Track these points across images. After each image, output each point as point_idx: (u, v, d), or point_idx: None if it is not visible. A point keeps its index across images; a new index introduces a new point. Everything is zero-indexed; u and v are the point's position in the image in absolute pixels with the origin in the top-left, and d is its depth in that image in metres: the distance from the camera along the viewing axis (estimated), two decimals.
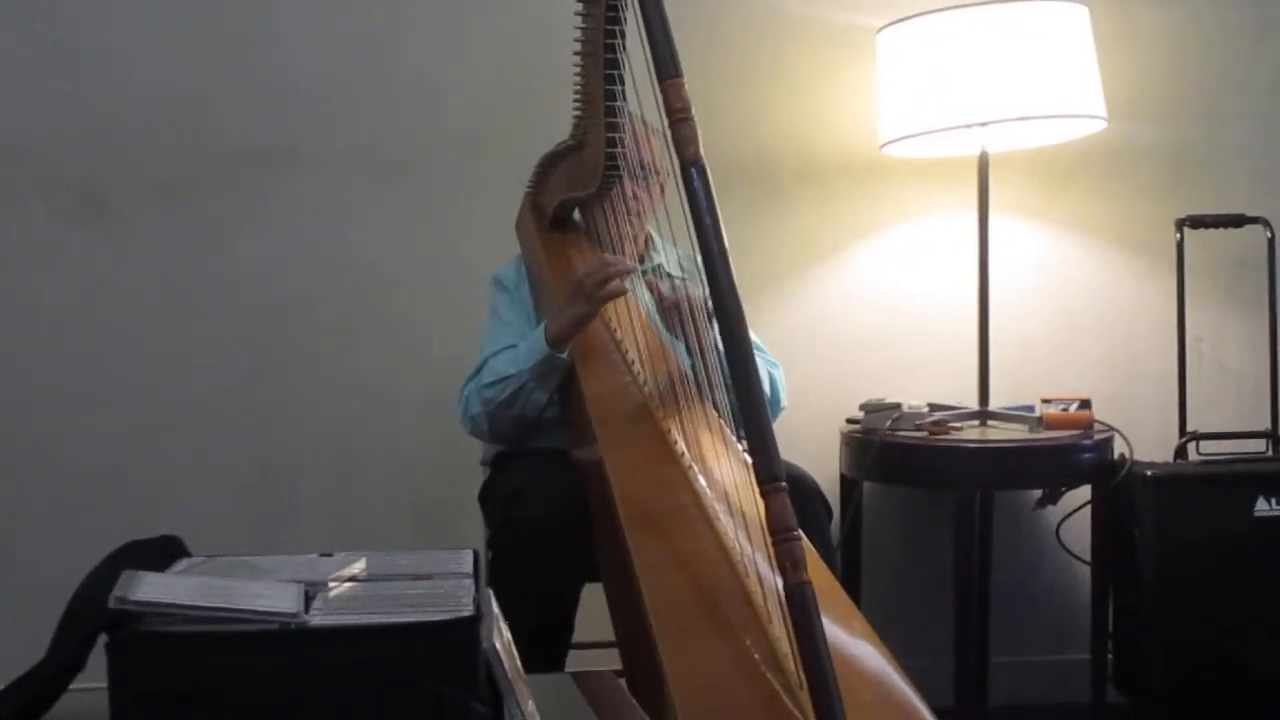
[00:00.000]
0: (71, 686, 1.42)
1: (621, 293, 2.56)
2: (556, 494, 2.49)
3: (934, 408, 3.23)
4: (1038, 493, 3.34)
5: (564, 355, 2.59)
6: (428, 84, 3.37)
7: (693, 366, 2.55)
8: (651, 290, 2.67)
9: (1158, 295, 3.50)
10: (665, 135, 2.17)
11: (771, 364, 2.85)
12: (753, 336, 2.21)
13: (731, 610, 2.15)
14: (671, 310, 2.60)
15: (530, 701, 1.39)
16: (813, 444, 3.22)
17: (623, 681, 2.13)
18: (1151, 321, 3.52)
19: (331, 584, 1.49)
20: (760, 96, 3.44)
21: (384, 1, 3.37)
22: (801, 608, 2.01)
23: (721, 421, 2.50)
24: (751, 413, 2.10)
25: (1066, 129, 3.29)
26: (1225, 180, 3.54)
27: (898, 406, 3.16)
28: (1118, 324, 3.57)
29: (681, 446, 2.43)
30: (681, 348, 2.61)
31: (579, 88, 2.54)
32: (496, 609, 1.48)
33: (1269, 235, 3.33)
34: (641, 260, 2.83)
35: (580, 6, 2.40)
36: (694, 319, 2.52)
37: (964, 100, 3.08)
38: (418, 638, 1.32)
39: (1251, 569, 3.08)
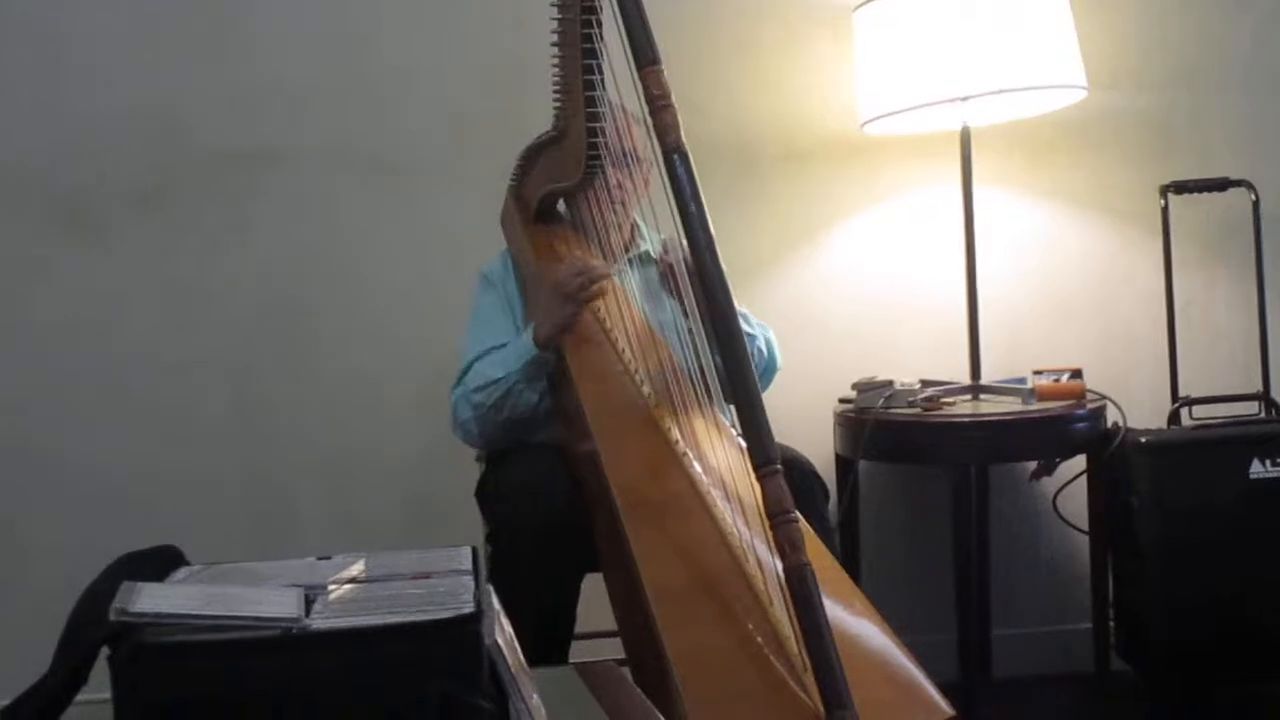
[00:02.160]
0: (76, 700, 1.41)
1: (603, 294, 2.56)
2: (554, 486, 2.48)
3: (926, 384, 3.23)
4: (1033, 465, 3.35)
5: (550, 354, 2.59)
6: (408, 82, 3.36)
7: (689, 330, 2.54)
8: (658, 262, 2.68)
9: (1145, 262, 3.50)
10: (646, 123, 2.18)
11: (762, 326, 2.86)
12: (739, 307, 2.21)
13: (732, 595, 2.16)
14: (669, 271, 2.60)
15: (535, 695, 1.39)
16: (806, 425, 3.22)
17: (626, 671, 2.14)
18: (1139, 288, 3.53)
19: (331, 587, 1.48)
20: (739, 80, 3.44)
21: (363, 0, 3.36)
22: (802, 589, 2.01)
23: (715, 408, 2.50)
24: (745, 398, 2.11)
25: (1047, 100, 3.29)
26: (1208, 145, 3.54)
27: (890, 384, 3.16)
28: (1106, 293, 3.57)
29: (676, 434, 2.43)
30: (675, 337, 2.60)
31: (558, 79, 2.53)
32: (497, 604, 1.48)
33: (1253, 198, 3.33)
34: (628, 249, 2.83)
35: None
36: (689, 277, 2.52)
37: (943, 75, 3.08)
38: (420, 637, 1.32)
39: (1248, 531, 3.08)
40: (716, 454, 2.38)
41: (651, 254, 2.81)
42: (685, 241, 2.19)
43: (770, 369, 2.86)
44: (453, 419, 2.73)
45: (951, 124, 3.25)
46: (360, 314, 3.37)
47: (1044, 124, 3.43)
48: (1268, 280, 3.37)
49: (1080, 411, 3.12)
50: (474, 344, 2.74)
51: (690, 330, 2.49)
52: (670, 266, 2.57)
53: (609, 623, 2.46)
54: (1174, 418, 3.28)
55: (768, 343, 2.85)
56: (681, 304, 2.55)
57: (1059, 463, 3.28)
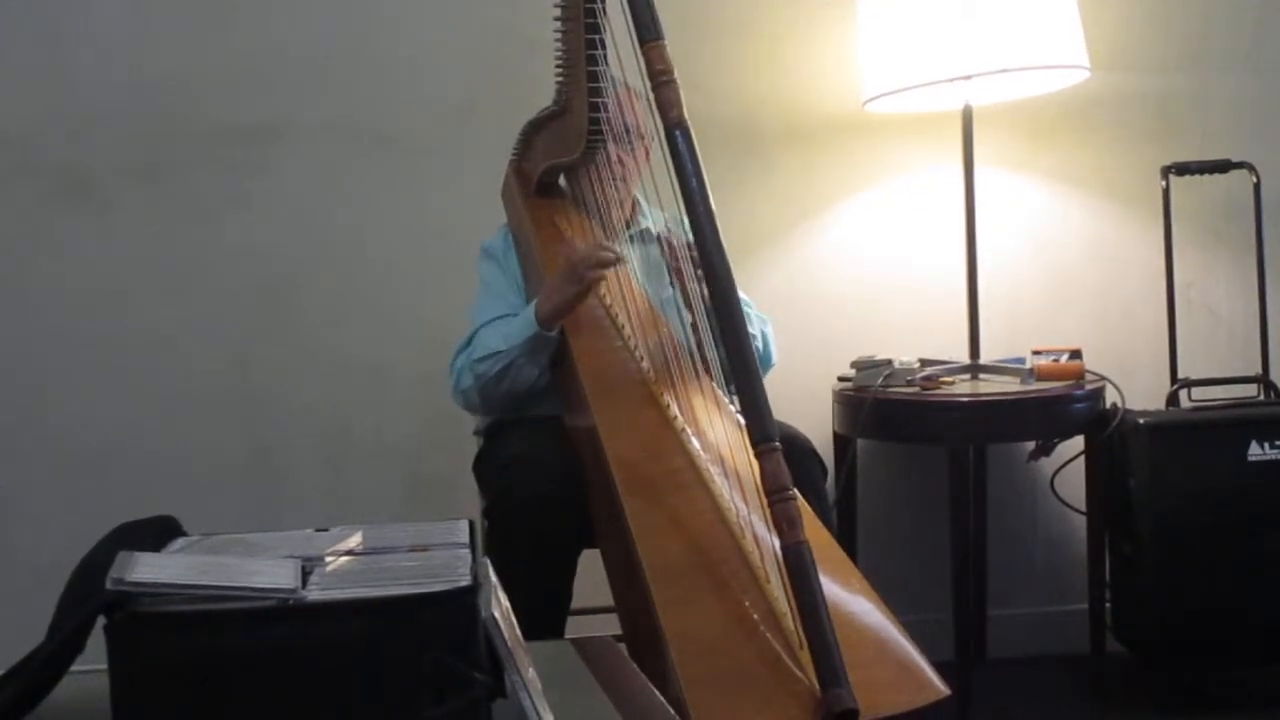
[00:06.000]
0: (71, 669, 1.41)
1: (604, 277, 2.56)
2: (552, 461, 2.49)
3: (925, 363, 3.23)
4: (1031, 445, 3.34)
5: (553, 334, 2.58)
6: (411, 56, 3.35)
7: (692, 321, 2.53)
8: (661, 245, 2.67)
9: (1145, 243, 3.49)
10: (648, 99, 2.17)
11: (761, 320, 2.85)
12: (740, 295, 2.21)
13: (729, 571, 2.16)
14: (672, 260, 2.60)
15: (531, 669, 1.39)
16: (805, 403, 3.21)
17: (623, 646, 2.14)
18: (1140, 270, 3.52)
19: (328, 558, 1.48)
20: (742, 56, 3.42)
21: None
22: (799, 566, 2.02)
23: (714, 384, 2.50)
24: (744, 375, 2.11)
25: (1049, 80, 3.28)
26: (1209, 127, 3.53)
27: (889, 363, 3.16)
28: (1106, 273, 3.57)
29: (675, 410, 2.43)
30: (674, 314, 2.60)
31: (561, 53, 2.53)
32: (494, 578, 1.48)
33: (1255, 180, 3.33)
34: (628, 225, 2.83)
35: None
36: (684, 268, 2.52)
37: (946, 54, 3.07)
38: (416, 609, 1.32)
39: (1246, 514, 3.08)
40: (715, 430, 2.38)
41: (653, 230, 2.80)
42: (686, 218, 2.19)
43: (764, 363, 2.83)
44: (454, 385, 2.73)
45: (954, 103, 3.24)
46: (360, 289, 3.36)
47: (1046, 104, 3.42)
48: (1268, 263, 3.37)
49: (1079, 392, 3.12)
50: (480, 311, 2.74)
51: (689, 304, 2.49)
52: (671, 244, 2.57)
53: (605, 598, 2.46)
54: (1173, 399, 3.28)
55: (764, 336, 2.83)
56: (683, 286, 2.54)
57: (1057, 443, 3.28)
